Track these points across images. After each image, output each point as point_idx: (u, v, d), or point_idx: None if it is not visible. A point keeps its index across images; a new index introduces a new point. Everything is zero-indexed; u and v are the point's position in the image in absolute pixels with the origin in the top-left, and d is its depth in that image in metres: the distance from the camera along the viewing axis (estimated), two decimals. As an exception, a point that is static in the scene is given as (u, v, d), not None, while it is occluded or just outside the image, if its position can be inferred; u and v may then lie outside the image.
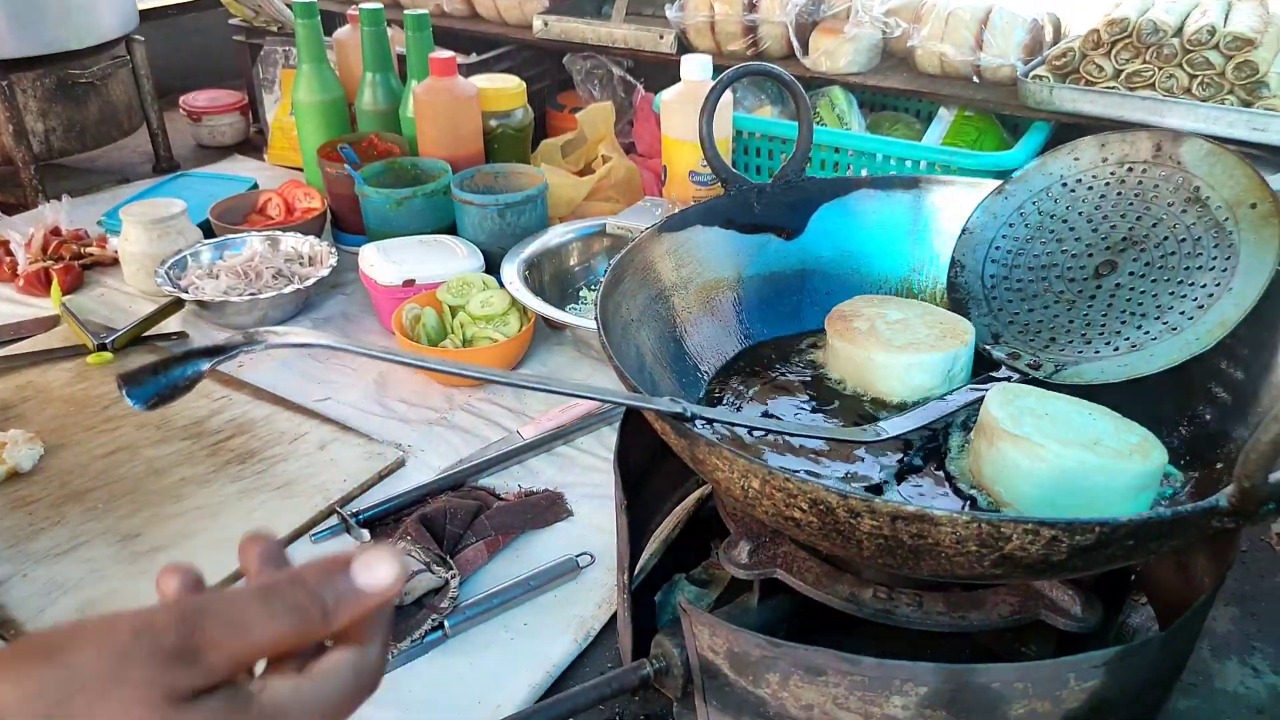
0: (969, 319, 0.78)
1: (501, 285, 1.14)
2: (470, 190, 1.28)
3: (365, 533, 0.87)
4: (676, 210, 0.82)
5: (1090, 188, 0.78)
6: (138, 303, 1.28)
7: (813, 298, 0.85)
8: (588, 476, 0.96)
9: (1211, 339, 0.69)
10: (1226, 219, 0.71)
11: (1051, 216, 0.79)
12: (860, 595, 0.65)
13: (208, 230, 1.36)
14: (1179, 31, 1.18)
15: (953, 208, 0.83)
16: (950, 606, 0.64)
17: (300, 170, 1.60)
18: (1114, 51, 1.21)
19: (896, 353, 0.73)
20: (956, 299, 0.80)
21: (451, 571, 0.80)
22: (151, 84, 1.72)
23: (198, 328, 1.23)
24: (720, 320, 0.81)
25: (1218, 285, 0.70)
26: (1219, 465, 0.66)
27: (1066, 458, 0.62)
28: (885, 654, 0.71)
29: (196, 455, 0.96)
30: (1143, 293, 0.74)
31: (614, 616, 0.80)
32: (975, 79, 1.33)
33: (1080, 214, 0.78)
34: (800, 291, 0.85)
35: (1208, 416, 0.69)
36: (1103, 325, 0.75)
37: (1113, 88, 1.21)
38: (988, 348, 0.77)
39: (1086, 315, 0.76)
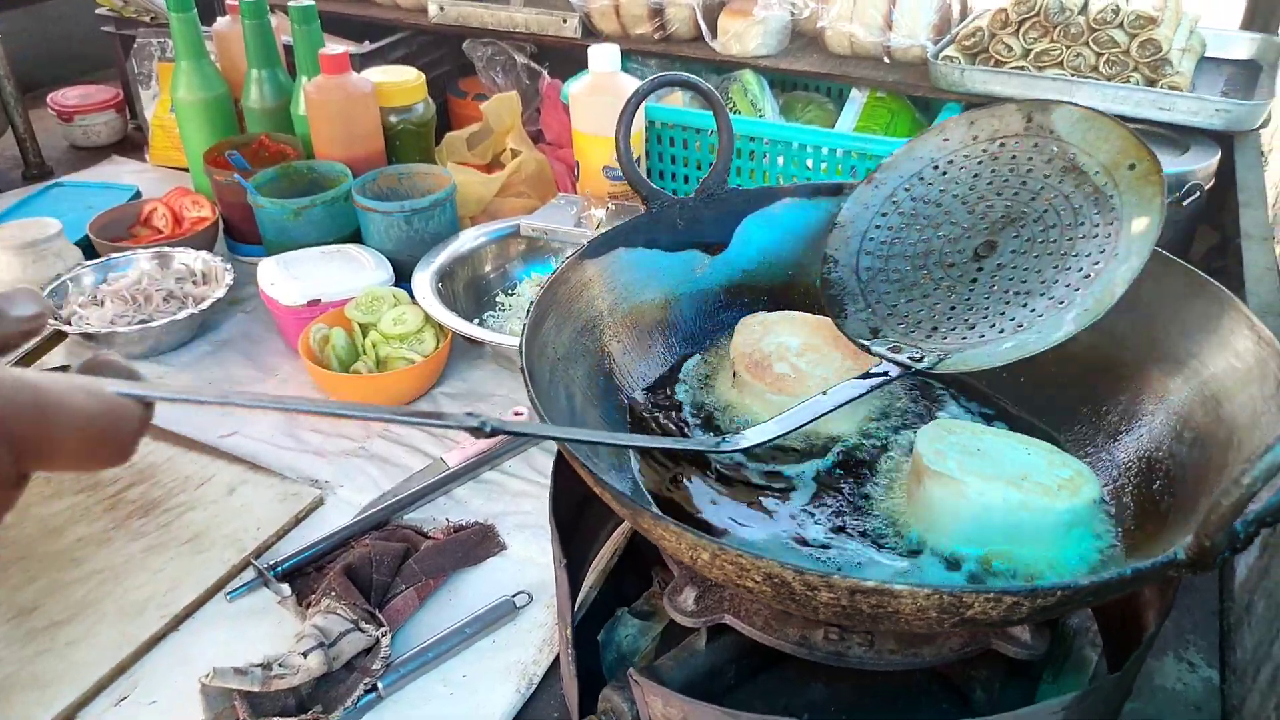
0: (845, 316, 0.74)
1: (414, 299, 1.09)
2: (373, 195, 1.21)
3: (285, 587, 0.81)
4: (597, 232, 0.78)
5: (963, 168, 0.75)
6: (15, 334, 1.19)
7: (747, 311, 0.82)
8: (518, 504, 0.92)
9: (1101, 308, 0.66)
10: (1105, 183, 0.69)
11: (925, 202, 0.76)
12: (811, 638, 0.63)
13: (88, 249, 1.26)
14: (1084, 9, 1.18)
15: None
16: (902, 644, 0.62)
17: (186, 171, 1.50)
18: (1022, 30, 1.20)
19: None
20: (831, 296, 0.76)
21: (382, 629, 0.75)
22: (13, 82, 1.59)
23: (83, 359, 1.14)
24: (650, 344, 0.78)
25: (1103, 252, 0.68)
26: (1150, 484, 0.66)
27: (989, 494, 0.61)
28: (835, 688, 0.71)
29: (93, 510, 0.89)
30: (1026, 270, 0.71)
31: (557, 659, 0.77)
32: (886, 59, 1.31)
33: (955, 196, 0.75)
34: (731, 307, 0.82)
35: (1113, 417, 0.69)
36: (986, 309, 0.71)
37: (1022, 67, 1.20)
38: (866, 343, 0.73)
39: (969, 300, 0.72)
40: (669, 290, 0.80)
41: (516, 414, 1.02)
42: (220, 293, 1.15)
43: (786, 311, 0.78)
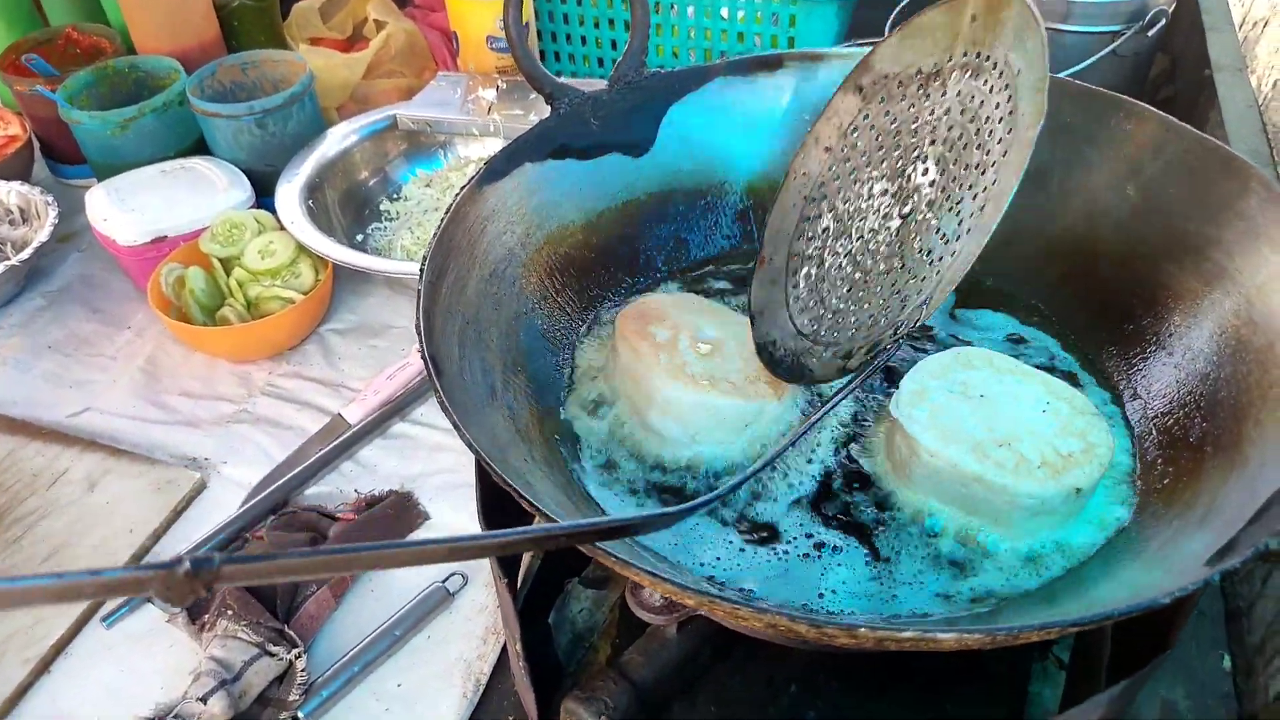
0: (812, 374, 0.59)
1: (281, 223, 0.92)
2: (215, 96, 1.01)
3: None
4: (514, 128, 0.63)
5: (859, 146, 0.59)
6: None
7: (686, 224, 0.69)
8: (437, 460, 0.80)
9: (1022, 159, 0.51)
10: (986, 56, 0.54)
11: (838, 217, 0.60)
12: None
13: None
14: None
15: (832, 90, 0.68)
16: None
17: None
18: None
19: (687, 386, 0.57)
20: (788, 369, 0.59)
21: (295, 649, 0.64)
22: None
23: (-112, 331, 0.95)
24: (578, 283, 0.65)
25: (1011, 114, 0.53)
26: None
27: (940, 459, 0.52)
28: (811, 671, 0.63)
29: (-79, 532, 0.74)
30: (950, 189, 0.56)
31: (505, 650, 0.67)
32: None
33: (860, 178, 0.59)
34: (666, 219, 0.69)
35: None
36: (930, 250, 0.56)
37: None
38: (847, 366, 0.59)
39: (909, 256, 0.58)
40: (591, 208, 0.66)
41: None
42: (44, 235, 0.96)
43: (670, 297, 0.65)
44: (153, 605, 0.70)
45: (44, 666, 0.66)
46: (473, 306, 0.56)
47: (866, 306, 0.58)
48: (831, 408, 0.57)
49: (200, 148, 1.03)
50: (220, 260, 0.90)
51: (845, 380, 0.58)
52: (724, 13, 1.06)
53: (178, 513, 0.76)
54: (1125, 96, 0.61)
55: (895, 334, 0.55)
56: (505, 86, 1.04)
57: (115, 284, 0.99)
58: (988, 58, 0.53)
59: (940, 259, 0.55)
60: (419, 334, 0.49)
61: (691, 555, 0.54)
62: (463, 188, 0.58)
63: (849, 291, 0.58)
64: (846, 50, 0.69)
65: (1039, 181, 0.63)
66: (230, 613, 0.65)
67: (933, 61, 0.55)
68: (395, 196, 1.04)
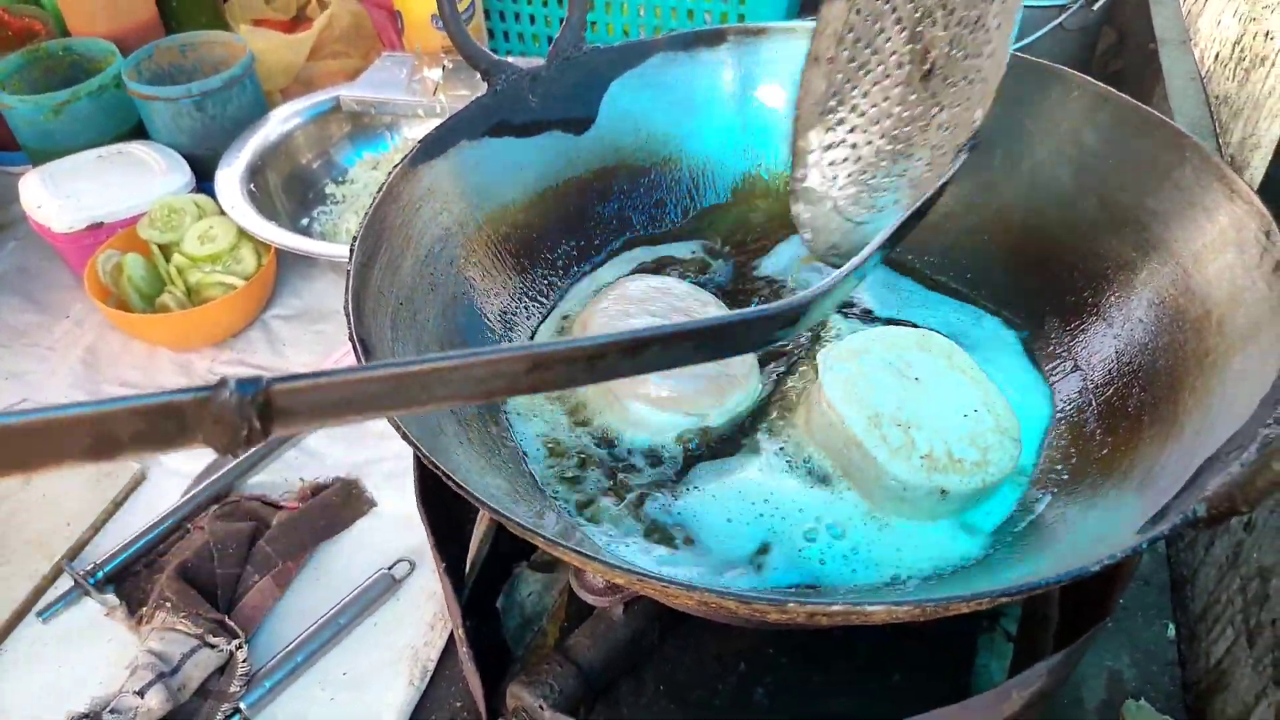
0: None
1: (221, 208, 0.90)
2: (153, 79, 0.99)
3: (111, 595, 0.67)
4: (430, 100, 0.61)
5: None
6: None
7: (630, 202, 0.68)
8: (383, 447, 0.78)
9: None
10: None
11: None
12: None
13: None
14: None
15: (777, 66, 0.67)
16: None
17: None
18: None
19: (654, 407, 0.58)
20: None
21: (236, 640, 0.63)
22: None
23: None
24: (519, 263, 0.64)
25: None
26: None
27: (830, 416, 0.53)
28: (759, 647, 0.63)
29: None
30: (959, 64, 0.55)
31: (452, 637, 0.67)
32: None
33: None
34: (608, 198, 0.68)
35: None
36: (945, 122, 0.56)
37: None
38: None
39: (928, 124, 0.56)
40: (535, 185, 0.65)
41: (368, 333, 0.87)
42: (-25, 224, 0.93)
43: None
44: (90, 600, 0.68)
45: (-22, 664, 0.65)
46: (406, 288, 0.55)
47: (918, 162, 0.56)
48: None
49: (139, 132, 1.01)
50: (159, 246, 0.88)
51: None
52: (667, -19, 1.05)
53: (117, 504, 0.74)
54: (1064, 68, 0.61)
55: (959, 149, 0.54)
56: (451, 66, 1.02)
57: (53, 273, 0.96)
58: None
59: (978, 71, 0.53)
60: (347, 316, 0.48)
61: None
62: (395, 166, 0.57)
63: (894, 164, 0.57)
64: (789, 25, 0.68)
65: (983, 156, 0.63)
66: (169, 605, 0.64)
67: None
68: (341, 180, 1.02)
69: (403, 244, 0.56)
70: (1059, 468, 0.55)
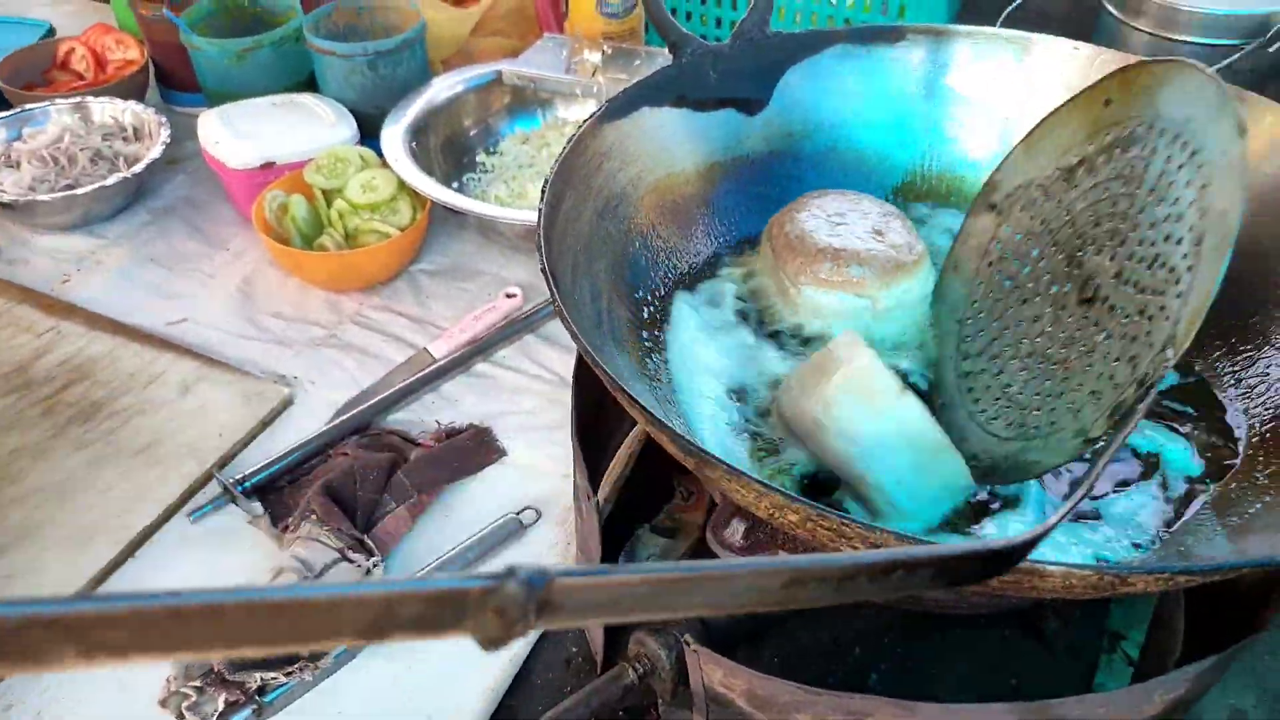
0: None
1: (383, 160, 0.94)
2: (330, 35, 1.04)
3: (257, 505, 0.71)
4: (616, 92, 0.64)
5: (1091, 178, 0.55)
6: (-82, 201, 1.02)
7: (787, 185, 0.70)
8: (517, 402, 0.81)
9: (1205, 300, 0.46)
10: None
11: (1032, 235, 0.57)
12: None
13: (-4, 98, 1.08)
14: None
15: (959, 71, 0.68)
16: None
17: (106, 3, 1.30)
18: None
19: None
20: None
21: (373, 558, 0.66)
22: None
23: (2, 231, 0.99)
24: (682, 226, 0.66)
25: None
26: None
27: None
28: (883, 616, 0.63)
29: (28, 415, 0.77)
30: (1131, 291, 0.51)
31: (572, 585, 0.68)
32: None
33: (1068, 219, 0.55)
34: (774, 179, 0.69)
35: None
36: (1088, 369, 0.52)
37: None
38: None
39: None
40: (703, 159, 0.67)
41: (509, 295, 0.90)
42: (156, 152, 0.99)
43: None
44: (236, 507, 0.72)
45: (131, 550, 0.69)
46: (584, 237, 0.58)
47: (1078, 383, 0.53)
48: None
49: (310, 85, 1.06)
50: (323, 192, 0.93)
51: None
52: (833, -1, 1.07)
53: (265, 424, 0.78)
54: (1248, 90, 0.60)
55: (1144, 385, 0.48)
56: (610, 52, 1.05)
57: (217, 207, 1.02)
58: (1140, 124, 0.51)
59: (1161, 309, 0.49)
60: (539, 249, 0.50)
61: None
62: (583, 123, 0.59)
63: (1045, 382, 0.54)
64: (971, 29, 0.69)
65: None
66: (314, 516, 0.67)
67: (1073, 157, 0.55)
68: (492, 150, 1.06)
69: (584, 194, 0.58)
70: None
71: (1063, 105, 0.55)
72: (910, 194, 0.72)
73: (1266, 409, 0.56)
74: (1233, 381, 0.59)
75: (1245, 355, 0.59)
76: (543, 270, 0.49)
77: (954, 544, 0.40)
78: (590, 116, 0.60)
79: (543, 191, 0.54)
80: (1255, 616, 0.46)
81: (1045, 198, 0.56)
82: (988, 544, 0.28)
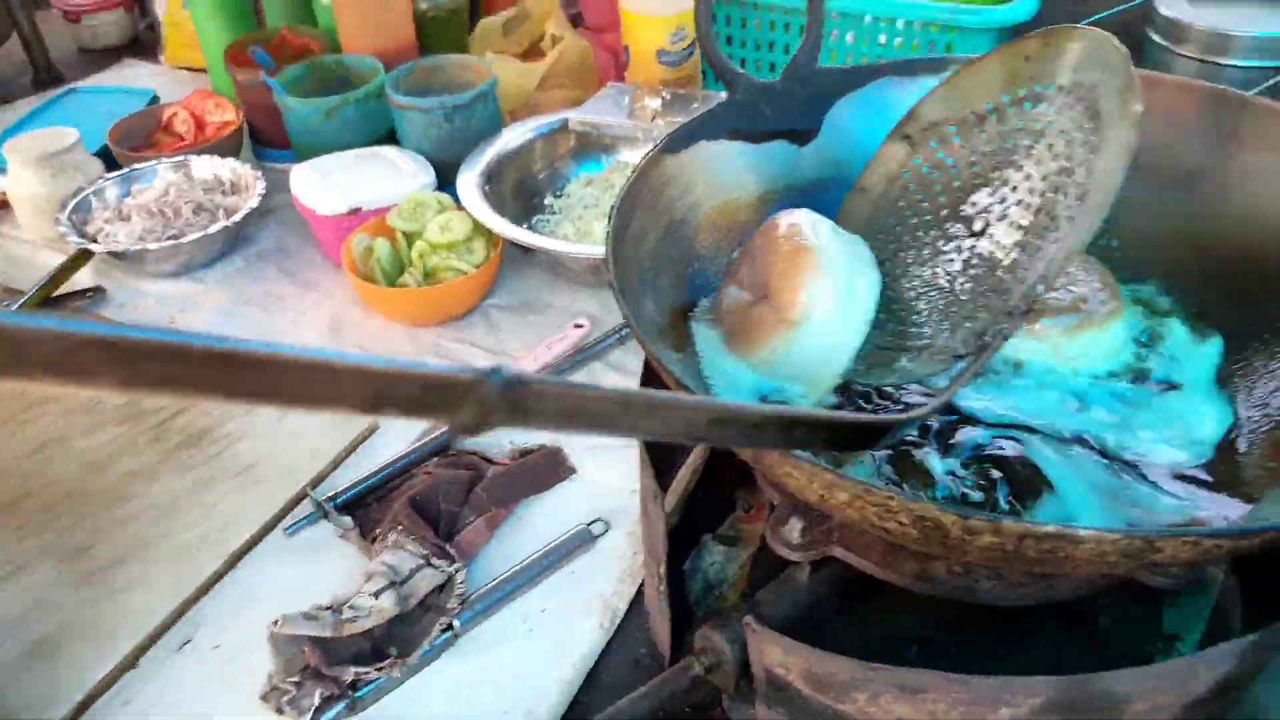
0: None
1: (459, 204, 1.01)
2: (408, 91, 1.12)
3: (347, 519, 0.76)
4: (651, 125, 0.69)
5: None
6: (40, 253, 1.12)
7: (834, 212, 0.74)
8: (586, 423, 0.86)
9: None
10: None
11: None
12: (932, 570, 0.57)
13: (108, 159, 1.18)
14: None
15: (992, 95, 0.72)
16: (1034, 577, 0.56)
17: (204, 72, 1.41)
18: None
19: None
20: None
21: (456, 565, 0.70)
22: (15, -19, 1.49)
23: (113, 278, 1.08)
24: (732, 254, 0.70)
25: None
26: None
27: None
28: (939, 615, 0.66)
29: (139, 442, 0.84)
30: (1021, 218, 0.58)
31: (640, 591, 0.72)
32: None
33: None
34: (822, 206, 0.73)
35: None
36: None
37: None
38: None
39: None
40: (758, 188, 0.71)
41: (576, 325, 0.95)
42: (253, 203, 1.08)
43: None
44: (328, 523, 0.77)
45: (234, 560, 0.75)
46: (651, 256, 0.62)
47: (956, 309, 0.60)
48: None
49: (390, 139, 1.14)
50: (404, 234, 1.00)
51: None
52: (881, 39, 1.12)
53: (353, 447, 0.84)
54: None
55: (1010, 315, 0.55)
56: (669, 98, 1.11)
57: (306, 252, 1.10)
58: (1050, 84, 0.57)
59: (1038, 250, 0.56)
60: (606, 266, 0.55)
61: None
62: (646, 154, 0.65)
63: (929, 304, 0.62)
64: (1008, 58, 0.73)
65: (1186, 186, 0.66)
66: (401, 527, 0.72)
67: (987, 104, 0.60)
68: (559, 193, 1.12)
69: (649, 218, 0.63)
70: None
71: (987, 55, 0.60)
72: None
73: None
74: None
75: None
76: (610, 284, 0.54)
77: (844, 414, 0.48)
78: (652, 148, 0.65)
79: (609, 216, 0.59)
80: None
81: (956, 137, 0.62)
82: (869, 417, 0.33)
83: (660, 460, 0.72)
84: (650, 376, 0.66)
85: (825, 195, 0.74)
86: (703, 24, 0.68)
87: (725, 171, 0.70)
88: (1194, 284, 0.66)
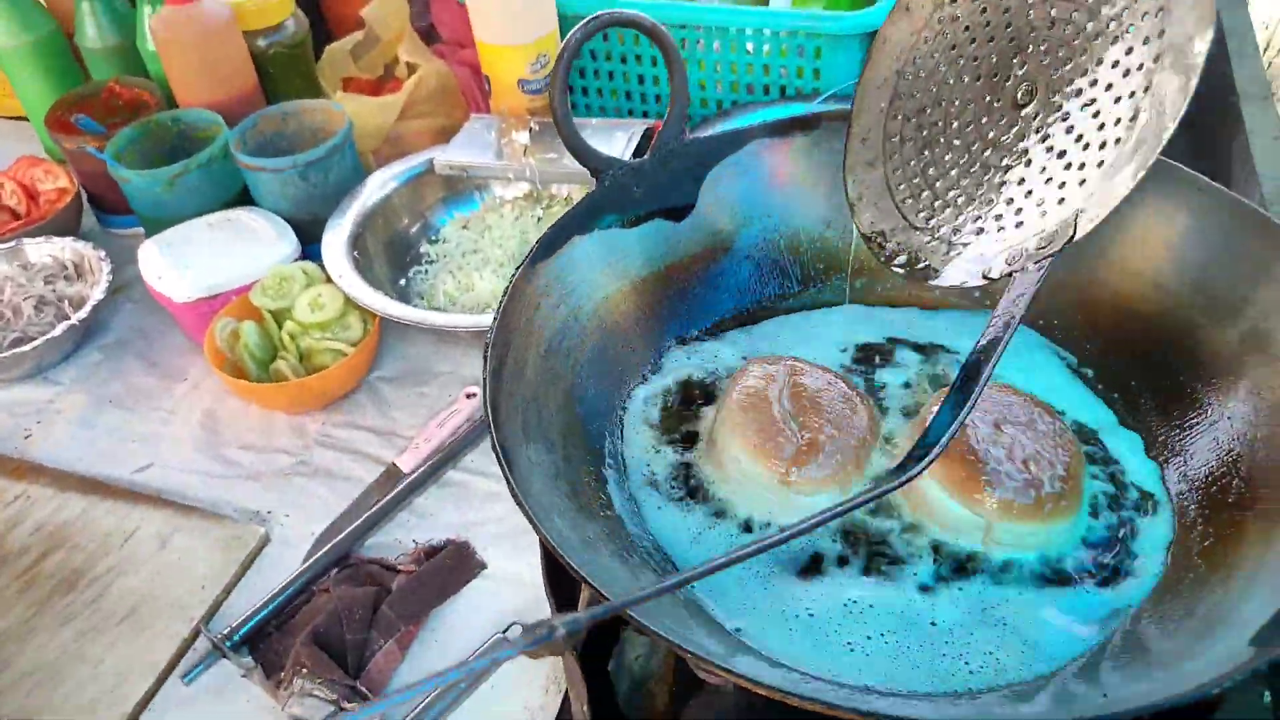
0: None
1: (326, 274, 0.95)
2: (256, 148, 1.04)
3: (247, 658, 0.72)
4: (547, 171, 0.65)
5: None
6: None
7: (730, 281, 0.72)
8: (489, 509, 0.83)
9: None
10: None
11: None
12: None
13: (-71, 249, 1.08)
14: None
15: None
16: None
17: (26, 120, 1.29)
18: None
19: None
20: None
21: (368, 704, 0.67)
22: None
23: (-45, 390, 0.99)
24: (627, 345, 0.67)
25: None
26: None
27: None
28: None
29: (6, 594, 0.78)
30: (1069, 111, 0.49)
31: (565, 700, 0.70)
32: (821, -90, 1.14)
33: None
34: (708, 283, 0.71)
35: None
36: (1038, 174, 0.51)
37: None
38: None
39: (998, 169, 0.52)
40: (635, 274, 0.68)
41: (469, 395, 0.91)
42: (99, 293, 0.99)
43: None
44: (229, 663, 0.73)
45: (131, 724, 0.70)
46: (532, 386, 0.59)
47: (991, 204, 0.52)
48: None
49: (244, 198, 1.06)
50: (272, 313, 0.93)
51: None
52: (749, 47, 1.08)
53: (245, 567, 0.79)
54: (1164, 158, 0.62)
55: (1042, 250, 0.48)
56: (538, 129, 1.06)
57: (169, 336, 1.02)
58: None
59: (1082, 165, 0.49)
60: (488, 426, 0.52)
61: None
62: (517, 268, 0.61)
63: (962, 180, 0.53)
64: (880, 109, 0.70)
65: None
66: (305, 670, 0.68)
67: None
68: (434, 239, 1.07)
69: (525, 343, 0.60)
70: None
71: None
72: (837, 270, 0.74)
73: (1199, 465, 0.58)
74: (1166, 441, 0.61)
75: (1178, 415, 0.61)
76: (494, 448, 0.51)
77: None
78: (523, 261, 0.61)
79: (485, 355, 0.55)
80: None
81: None
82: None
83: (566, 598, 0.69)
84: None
85: (712, 268, 0.72)
86: (559, 109, 0.64)
87: (602, 264, 0.67)
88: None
